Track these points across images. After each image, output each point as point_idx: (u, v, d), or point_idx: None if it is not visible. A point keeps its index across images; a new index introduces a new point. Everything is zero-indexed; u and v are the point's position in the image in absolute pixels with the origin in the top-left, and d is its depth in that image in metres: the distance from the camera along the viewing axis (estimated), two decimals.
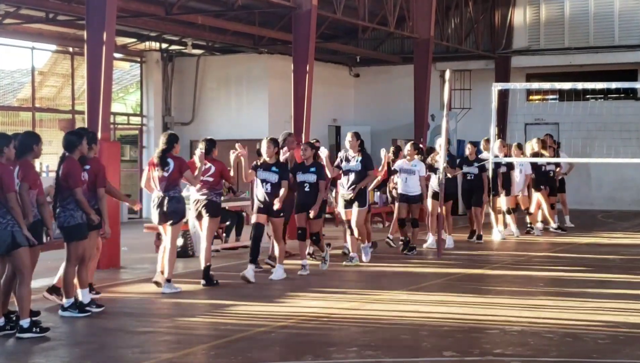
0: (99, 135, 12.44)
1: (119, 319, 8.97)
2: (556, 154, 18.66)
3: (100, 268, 12.36)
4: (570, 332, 8.22)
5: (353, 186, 12.81)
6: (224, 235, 14.63)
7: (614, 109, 24.05)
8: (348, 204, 12.94)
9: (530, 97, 26.15)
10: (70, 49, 21.25)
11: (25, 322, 8.02)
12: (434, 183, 14.90)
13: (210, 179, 11.08)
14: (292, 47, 17.09)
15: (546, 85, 20.72)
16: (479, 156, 16.39)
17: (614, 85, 19.45)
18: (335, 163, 13.21)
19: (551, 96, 25.81)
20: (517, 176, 17.03)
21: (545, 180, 17.83)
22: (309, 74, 16.56)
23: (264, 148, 11.62)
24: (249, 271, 11.27)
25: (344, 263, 12.90)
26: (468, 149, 16.39)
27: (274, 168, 11.51)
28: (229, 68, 23.58)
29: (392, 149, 15.96)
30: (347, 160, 12.98)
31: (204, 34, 21.63)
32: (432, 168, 14.89)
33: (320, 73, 20.37)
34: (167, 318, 9.09)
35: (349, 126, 25.62)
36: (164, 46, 23.35)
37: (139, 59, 23.32)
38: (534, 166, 17.43)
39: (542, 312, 9.27)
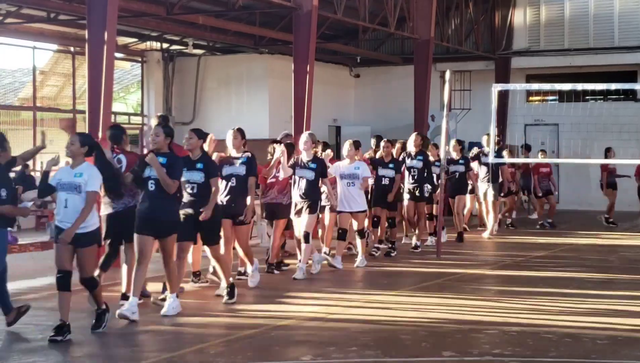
0: (100, 134, 12.51)
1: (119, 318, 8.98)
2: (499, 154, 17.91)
3: None
4: (570, 333, 8.24)
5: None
6: None
7: (613, 110, 24.08)
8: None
9: (530, 98, 26.18)
10: (72, 49, 21.29)
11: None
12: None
13: None
14: (293, 47, 17.11)
15: (546, 86, 20.73)
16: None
17: (613, 86, 19.48)
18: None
19: (551, 97, 25.84)
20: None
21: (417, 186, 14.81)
22: (310, 74, 16.58)
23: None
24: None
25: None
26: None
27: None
28: (230, 68, 23.63)
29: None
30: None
31: (204, 34, 21.67)
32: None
33: (320, 73, 20.39)
34: (167, 317, 9.11)
35: (349, 126, 25.70)
36: (165, 45, 23.40)
37: (140, 59, 23.37)
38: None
39: (541, 312, 9.30)
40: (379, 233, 14.54)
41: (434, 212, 15.51)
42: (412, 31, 21.92)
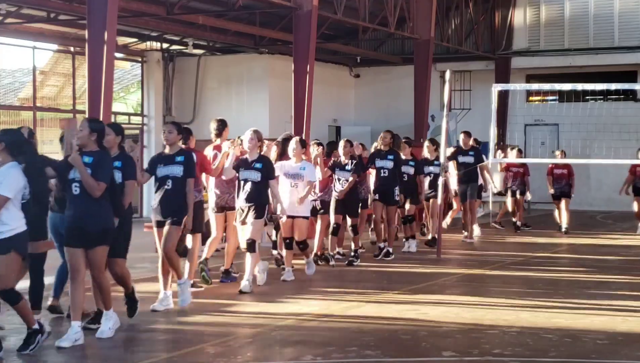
0: None
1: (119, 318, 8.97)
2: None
3: None
4: (569, 333, 8.25)
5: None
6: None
7: (613, 110, 24.10)
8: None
9: (530, 98, 26.21)
10: (72, 49, 21.29)
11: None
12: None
13: None
14: (293, 47, 17.13)
15: (546, 86, 20.75)
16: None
17: (613, 86, 19.48)
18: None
19: (551, 97, 25.87)
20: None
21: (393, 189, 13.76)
22: (310, 74, 16.59)
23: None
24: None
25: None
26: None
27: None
28: (230, 68, 23.63)
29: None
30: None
31: (204, 34, 21.68)
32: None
33: (320, 73, 20.41)
34: (167, 317, 9.12)
35: (349, 126, 25.72)
36: (165, 45, 23.40)
37: (140, 59, 23.37)
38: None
39: (541, 313, 9.30)
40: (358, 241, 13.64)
41: (407, 214, 14.67)
42: (412, 31, 21.94)
